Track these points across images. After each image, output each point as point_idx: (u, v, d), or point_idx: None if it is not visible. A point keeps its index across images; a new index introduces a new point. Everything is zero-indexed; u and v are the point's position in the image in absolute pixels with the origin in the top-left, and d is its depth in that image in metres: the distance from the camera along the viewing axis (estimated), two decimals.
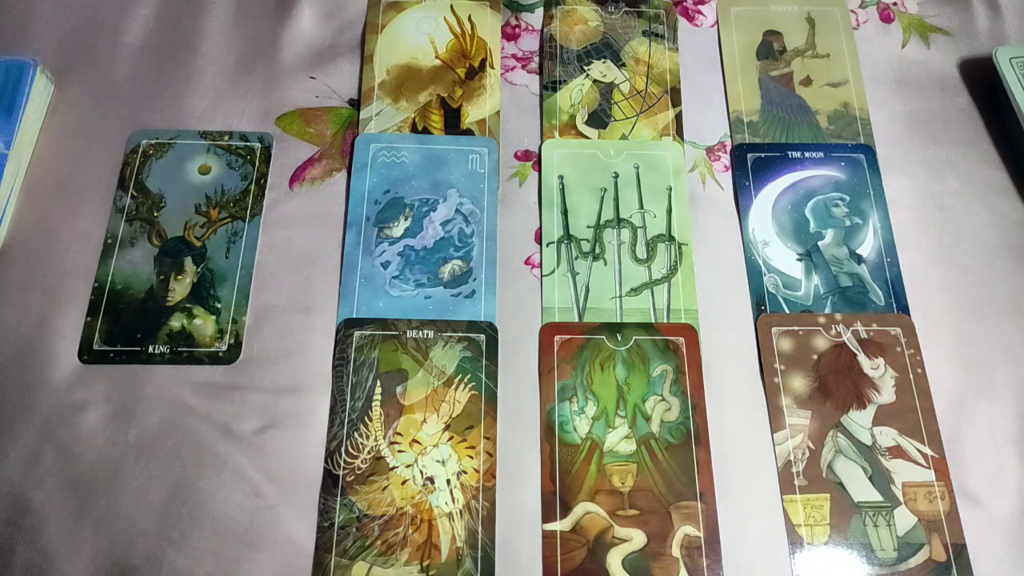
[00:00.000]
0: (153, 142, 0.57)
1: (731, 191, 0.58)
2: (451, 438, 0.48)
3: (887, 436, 0.49)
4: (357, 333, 0.51)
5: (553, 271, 0.54)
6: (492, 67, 0.61)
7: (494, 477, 0.48)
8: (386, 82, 0.60)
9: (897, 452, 0.49)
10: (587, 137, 0.59)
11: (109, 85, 0.60)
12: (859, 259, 0.55)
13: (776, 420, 0.50)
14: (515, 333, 0.52)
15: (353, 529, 0.46)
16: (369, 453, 0.48)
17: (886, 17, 0.65)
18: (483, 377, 0.50)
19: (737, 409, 0.50)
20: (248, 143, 0.58)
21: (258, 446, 0.48)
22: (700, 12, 0.65)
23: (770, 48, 0.63)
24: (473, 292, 0.53)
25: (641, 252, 0.55)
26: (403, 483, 0.47)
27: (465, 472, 0.47)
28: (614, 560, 0.46)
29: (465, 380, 0.50)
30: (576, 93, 0.60)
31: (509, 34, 0.63)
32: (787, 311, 0.53)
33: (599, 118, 0.59)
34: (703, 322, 0.53)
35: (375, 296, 0.52)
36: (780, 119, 0.60)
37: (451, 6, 0.63)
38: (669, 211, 0.56)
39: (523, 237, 0.56)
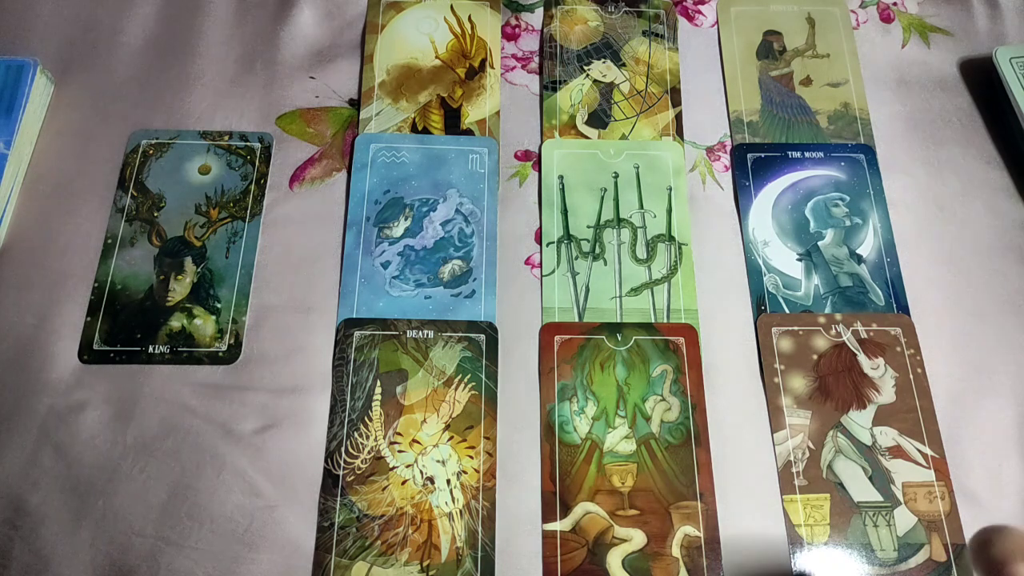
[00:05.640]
0: (153, 142, 0.57)
1: (731, 191, 0.58)
2: (451, 438, 0.48)
3: (887, 436, 0.49)
4: (357, 333, 0.51)
5: (553, 271, 0.54)
6: (492, 67, 0.61)
7: (494, 477, 0.48)
8: (386, 82, 0.60)
9: (897, 452, 0.49)
10: (587, 137, 0.59)
11: (109, 85, 0.60)
12: (859, 259, 0.55)
13: (776, 420, 0.50)
14: (515, 333, 0.52)
15: (353, 529, 0.46)
16: (369, 453, 0.48)
17: (886, 17, 0.65)
18: (483, 377, 0.50)
19: (737, 409, 0.50)
20: (248, 143, 0.58)
21: (258, 446, 0.48)
22: (700, 12, 0.65)
23: (770, 48, 0.63)
24: (473, 292, 0.53)
25: (641, 252, 0.55)
26: (403, 483, 0.47)
27: (465, 472, 0.47)
28: (614, 560, 0.46)
29: (465, 380, 0.50)
30: (576, 93, 0.60)
31: (509, 34, 0.63)
32: (787, 311, 0.53)
33: (599, 118, 0.59)
34: (703, 322, 0.53)
35: (375, 296, 0.52)
36: (780, 119, 0.60)
37: (451, 6, 0.63)
38: (669, 211, 0.56)
39: (523, 237, 0.56)
